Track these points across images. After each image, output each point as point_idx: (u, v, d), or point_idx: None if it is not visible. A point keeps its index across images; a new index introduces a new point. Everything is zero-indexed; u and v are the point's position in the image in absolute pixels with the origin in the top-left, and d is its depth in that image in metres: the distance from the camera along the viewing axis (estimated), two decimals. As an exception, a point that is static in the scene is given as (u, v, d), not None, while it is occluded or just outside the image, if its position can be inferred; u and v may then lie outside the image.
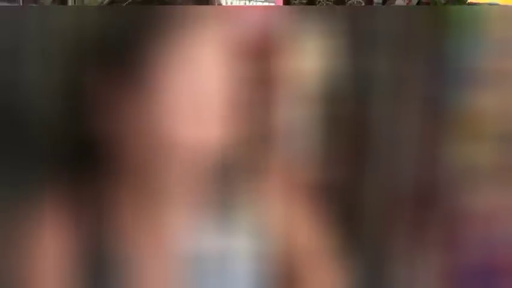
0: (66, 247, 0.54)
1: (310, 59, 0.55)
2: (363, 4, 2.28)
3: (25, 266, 0.54)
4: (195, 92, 0.54)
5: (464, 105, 0.57)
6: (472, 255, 0.59)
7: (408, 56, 0.56)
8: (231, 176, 0.55)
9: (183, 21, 0.53)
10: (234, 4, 2.16)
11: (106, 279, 0.55)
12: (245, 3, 2.20)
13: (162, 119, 0.54)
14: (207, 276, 0.56)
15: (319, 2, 2.30)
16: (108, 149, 0.54)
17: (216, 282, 0.56)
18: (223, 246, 0.56)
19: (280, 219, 0.57)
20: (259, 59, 0.54)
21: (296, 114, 0.55)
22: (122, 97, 0.53)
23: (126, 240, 0.55)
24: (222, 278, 0.56)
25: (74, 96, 0.53)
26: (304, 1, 2.37)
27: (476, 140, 0.57)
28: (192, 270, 0.56)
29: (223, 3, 2.10)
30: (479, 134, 0.57)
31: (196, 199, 0.56)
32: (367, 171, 0.57)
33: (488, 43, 0.56)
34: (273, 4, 2.21)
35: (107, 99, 0.53)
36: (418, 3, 2.25)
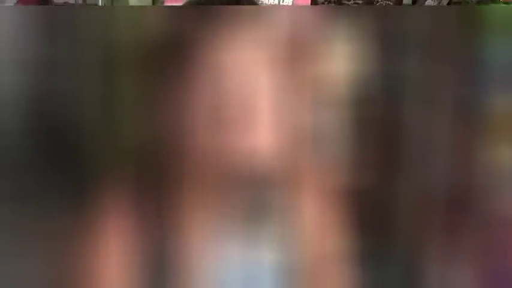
0: (125, 245, 0.56)
1: (343, 62, 0.55)
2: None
3: (89, 266, 0.56)
4: (227, 97, 0.54)
5: (497, 108, 0.57)
6: (507, 260, 0.58)
7: (440, 57, 0.56)
8: (264, 181, 0.56)
9: (226, 21, 0.54)
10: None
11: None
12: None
13: (192, 123, 0.55)
14: (239, 280, 0.57)
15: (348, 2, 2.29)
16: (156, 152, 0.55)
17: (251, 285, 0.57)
18: (256, 251, 0.57)
19: (312, 224, 0.57)
20: (294, 62, 0.54)
21: (330, 118, 0.55)
22: (173, 99, 0.55)
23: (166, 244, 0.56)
24: (256, 281, 0.57)
25: (134, 100, 0.54)
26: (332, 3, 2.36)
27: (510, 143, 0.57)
28: (224, 275, 0.57)
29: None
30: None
31: (228, 205, 0.56)
32: (402, 176, 0.57)
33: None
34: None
35: (162, 102, 0.54)
36: (448, 3, 2.21)
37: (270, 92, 0.54)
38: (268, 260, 0.57)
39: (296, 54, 0.54)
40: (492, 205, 0.57)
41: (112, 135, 0.55)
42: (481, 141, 0.57)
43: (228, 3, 0.57)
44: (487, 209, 0.57)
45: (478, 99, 0.56)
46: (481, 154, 0.57)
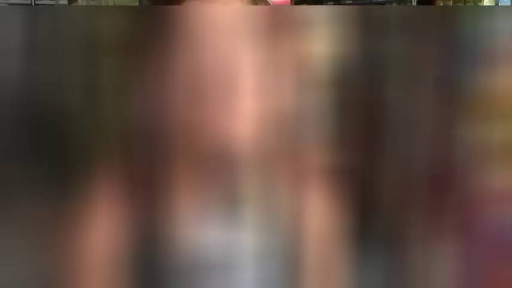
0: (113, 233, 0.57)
1: (324, 46, 0.56)
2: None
3: (78, 254, 0.57)
4: (206, 79, 0.56)
5: (477, 86, 0.58)
6: (488, 237, 0.59)
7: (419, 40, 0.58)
8: (247, 162, 0.57)
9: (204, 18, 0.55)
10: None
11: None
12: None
13: (176, 106, 0.56)
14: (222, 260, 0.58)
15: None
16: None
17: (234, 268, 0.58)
18: (239, 232, 0.58)
19: (295, 204, 0.58)
20: (273, 47, 0.55)
21: (312, 99, 0.56)
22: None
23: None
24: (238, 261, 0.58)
25: (118, 86, 0.55)
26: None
27: (492, 120, 0.58)
28: (206, 258, 0.57)
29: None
30: (494, 114, 0.58)
31: (211, 186, 0.57)
32: (385, 157, 0.58)
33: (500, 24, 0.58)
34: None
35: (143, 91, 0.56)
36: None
37: (251, 74, 0.56)
38: (251, 241, 0.57)
39: (278, 36, 0.55)
40: (476, 183, 0.59)
41: (96, 119, 0.56)
42: (463, 120, 0.58)
43: None
44: (472, 188, 0.59)
45: (458, 79, 0.58)
46: (464, 133, 0.58)
